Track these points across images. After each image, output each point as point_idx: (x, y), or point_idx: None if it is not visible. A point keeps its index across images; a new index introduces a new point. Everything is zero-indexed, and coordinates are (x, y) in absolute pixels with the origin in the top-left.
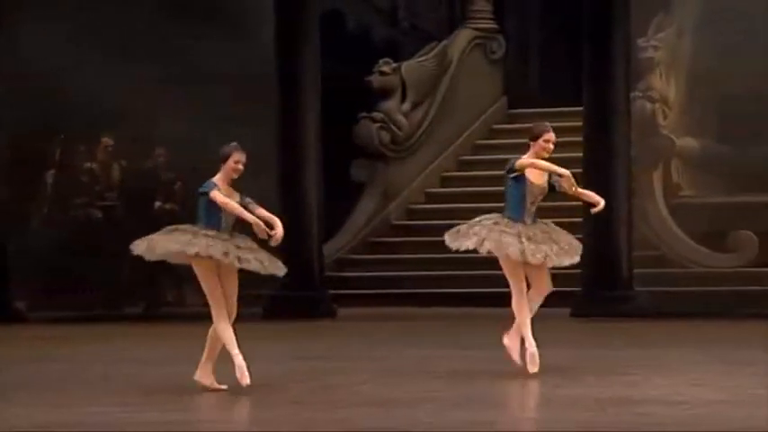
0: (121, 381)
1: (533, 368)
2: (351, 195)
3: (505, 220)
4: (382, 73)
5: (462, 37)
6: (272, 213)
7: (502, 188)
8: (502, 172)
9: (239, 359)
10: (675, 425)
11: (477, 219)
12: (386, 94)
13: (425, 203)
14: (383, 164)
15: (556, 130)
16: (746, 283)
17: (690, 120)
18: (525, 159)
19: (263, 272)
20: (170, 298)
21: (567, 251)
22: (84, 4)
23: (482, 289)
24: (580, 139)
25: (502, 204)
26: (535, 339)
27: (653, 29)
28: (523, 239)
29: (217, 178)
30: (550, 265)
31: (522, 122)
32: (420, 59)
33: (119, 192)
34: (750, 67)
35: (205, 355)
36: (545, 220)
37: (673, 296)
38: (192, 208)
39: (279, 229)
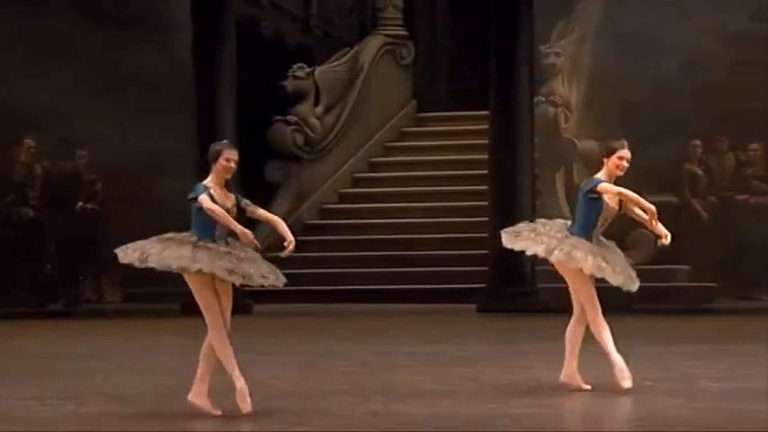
0: (40, 375)
1: (627, 383)
2: (266, 196)
3: (574, 236)
4: (296, 77)
5: (373, 43)
6: (189, 216)
7: (412, 188)
8: (411, 173)
9: (240, 383)
10: (577, 416)
11: (540, 222)
12: (299, 98)
13: (338, 203)
14: (297, 165)
15: (463, 133)
16: (644, 280)
17: (591, 123)
18: (611, 186)
19: (265, 284)
20: (89, 295)
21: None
22: (4, 10)
23: (392, 286)
24: (486, 141)
25: (412, 204)
26: (440, 334)
27: (555, 36)
28: (596, 255)
29: (208, 180)
30: (616, 284)
31: (431, 125)
32: (333, 65)
33: (41, 192)
34: (648, 72)
35: (198, 373)
36: (606, 241)
37: None
38: (113, 208)
39: (290, 238)
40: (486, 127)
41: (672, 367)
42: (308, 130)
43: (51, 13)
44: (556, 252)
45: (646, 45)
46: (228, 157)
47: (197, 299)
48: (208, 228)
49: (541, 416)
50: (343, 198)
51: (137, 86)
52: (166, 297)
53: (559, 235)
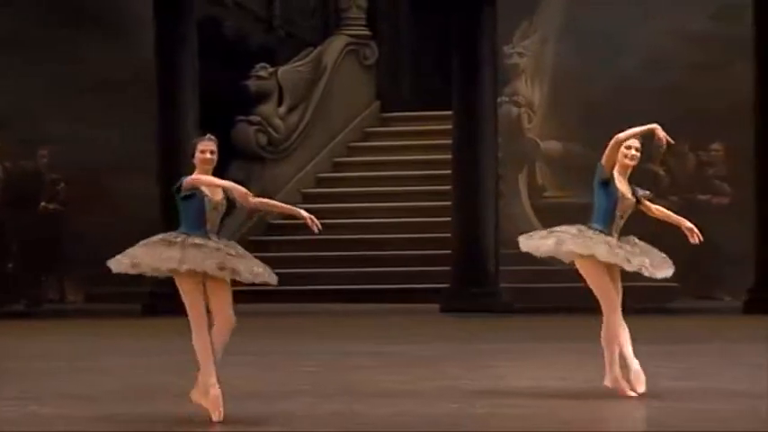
0: (2, 376)
1: (641, 387)
2: None
3: (591, 231)
4: (259, 77)
5: (336, 43)
6: (153, 216)
7: (376, 188)
8: (375, 173)
9: (216, 390)
10: (541, 416)
11: (558, 227)
12: (263, 98)
13: (301, 203)
14: (260, 165)
15: (426, 133)
16: None
17: (553, 123)
18: (609, 146)
19: (255, 281)
20: (52, 295)
21: (659, 264)
22: None
23: (356, 286)
24: (450, 141)
25: (376, 204)
26: (404, 334)
27: (518, 36)
28: (612, 244)
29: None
30: (646, 274)
31: (395, 125)
32: (296, 65)
33: (2, 192)
34: (610, 72)
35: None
36: (631, 237)
37: (537, 292)
38: (75, 208)
39: (302, 213)
40: (450, 127)
41: None
42: (271, 131)
43: (15, 13)
44: (568, 242)
45: (608, 45)
46: (203, 149)
47: (184, 299)
48: (198, 220)
49: (505, 416)
50: (307, 198)
51: (99, 86)
52: (129, 297)
53: (573, 230)
